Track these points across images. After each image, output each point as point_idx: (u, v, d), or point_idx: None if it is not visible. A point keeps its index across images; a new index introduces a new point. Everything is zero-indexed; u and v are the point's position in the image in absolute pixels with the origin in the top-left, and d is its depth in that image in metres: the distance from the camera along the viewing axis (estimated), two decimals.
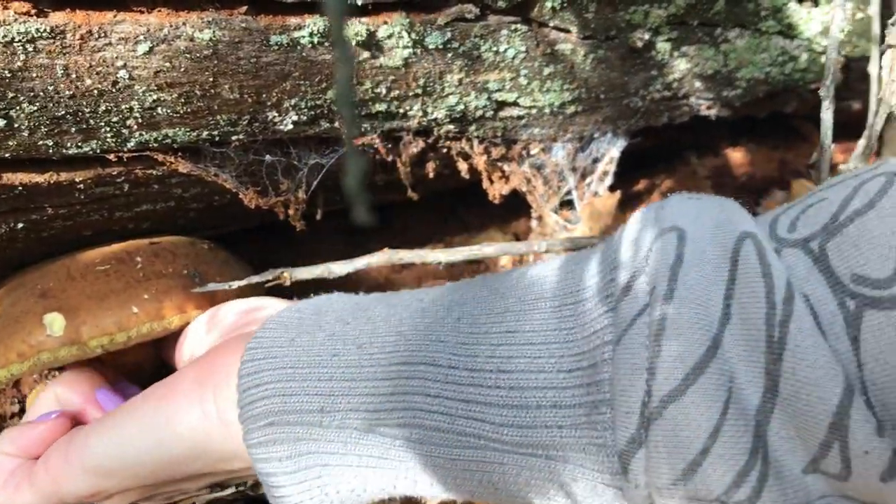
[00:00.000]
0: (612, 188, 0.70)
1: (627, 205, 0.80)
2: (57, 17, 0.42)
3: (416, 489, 0.40)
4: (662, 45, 0.61)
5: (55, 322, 0.51)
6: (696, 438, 0.30)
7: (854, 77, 0.76)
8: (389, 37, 0.51)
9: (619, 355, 0.33)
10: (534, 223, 0.71)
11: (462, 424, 0.37)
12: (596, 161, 0.67)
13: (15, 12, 0.41)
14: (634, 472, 0.32)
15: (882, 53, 0.56)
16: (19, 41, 0.41)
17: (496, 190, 0.66)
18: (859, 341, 0.29)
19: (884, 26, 0.66)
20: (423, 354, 0.38)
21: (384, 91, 0.53)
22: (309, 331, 0.42)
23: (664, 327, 0.31)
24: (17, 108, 0.43)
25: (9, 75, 0.42)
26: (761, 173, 0.78)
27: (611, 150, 0.67)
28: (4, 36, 0.41)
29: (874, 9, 0.67)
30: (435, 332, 0.39)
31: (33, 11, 0.42)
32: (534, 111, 0.61)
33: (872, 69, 0.68)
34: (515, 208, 0.75)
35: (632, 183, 0.80)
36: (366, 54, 0.51)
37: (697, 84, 0.66)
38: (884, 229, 0.30)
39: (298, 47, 0.48)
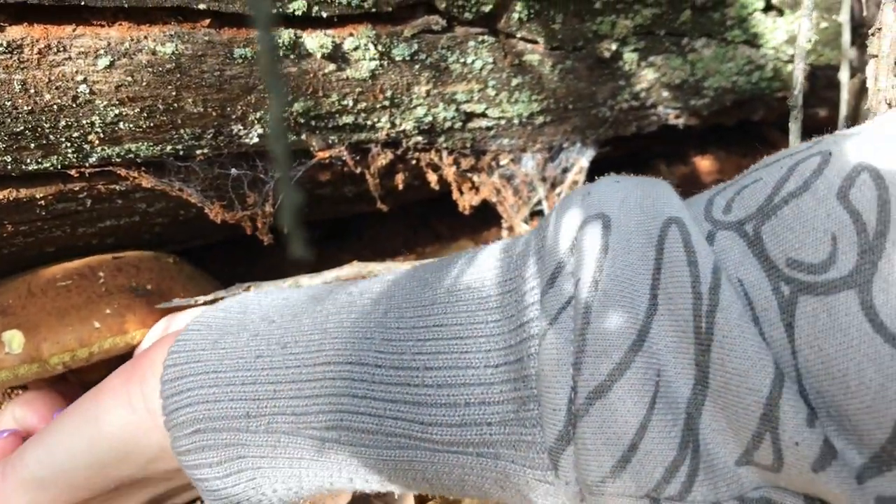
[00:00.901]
0: None
1: None
2: (14, 32, 0.41)
3: (352, 485, 0.39)
4: (630, 56, 0.62)
5: (14, 339, 0.50)
6: (623, 434, 0.30)
7: (820, 85, 0.77)
8: (355, 49, 0.50)
9: (545, 350, 0.32)
10: (504, 233, 0.70)
11: (390, 425, 0.36)
12: (565, 171, 0.67)
13: None
14: (564, 468, 0.32)
15: (866, 63, 0.56)
16: None
17: (466, 201, 0.65)
18: (794, 328, 0.28)
19: (856, 34, 0.67)
20: (349, 353, 0.37)
21: (351, 103, 0.53)
22: (233, 331, 0.41)
23: (589, 321, 0.31)
24: None
25: None
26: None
27: (580, 160, 0.67)
28: None
29: (844, 17, 0.68)
30: (361, 328, 0.38)
31: None
32: (502, 122, 0.60)
33: (843, 76, 0.69)
34: (486, 218, 0.75)
35: None
36: (332, 66, 0.50)
37: (665, 93, 0.66)
38: (819, 212, 0.29)
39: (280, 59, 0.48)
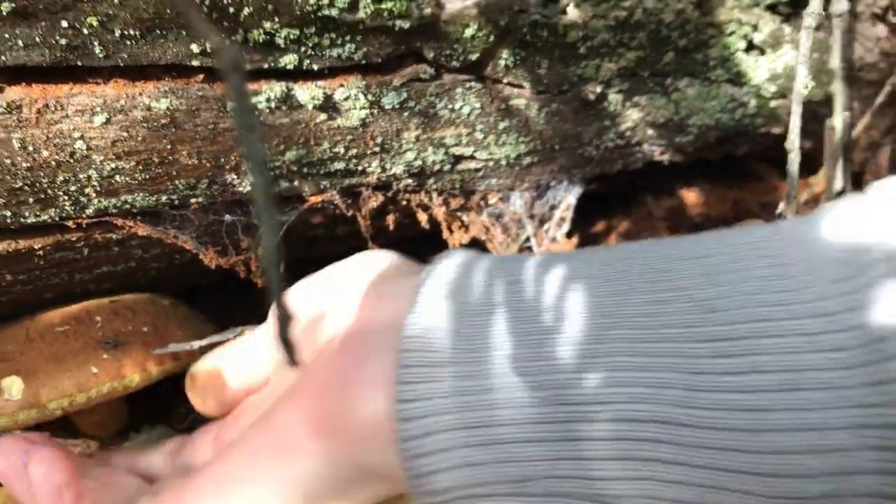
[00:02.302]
0: (569, 233, 0.71)
1: (586, 246, 0.81)
2: (13, 93, 0.43)
3: None
4: (614, 97, 0.63)
5: (13, 385, 0.51)
6: None
7: (804, 118, 0.79)
8: (346, 99, 0.52)
9: None
10: None
11: (712, 498, 0.29)
12: (553, 208, 0.69)
13: None
14: None
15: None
16: None
17: (456, 239, 0.67)
18: None
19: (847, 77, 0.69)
20: (652, 410, 0.30)
21: (342, 150, 0.54)
22: (476, 359, 0.33)
23: None
24: None
25: None
26: (716, 213, 0.80)
27: (567, 198, 0.68)
28: None
29: (836, 62, 0.70)
30: (656, 373, 0.30)
31: None
32: (490, 163, 0.62)
33: (837, 122, 0.70)
34: (479, 250, 0.76)
35: (590, 224, 0.81)
36: (323, 116, 0.52)
37: (650, 132, 0.68)
38: None
39: (256, 112, 0.49)
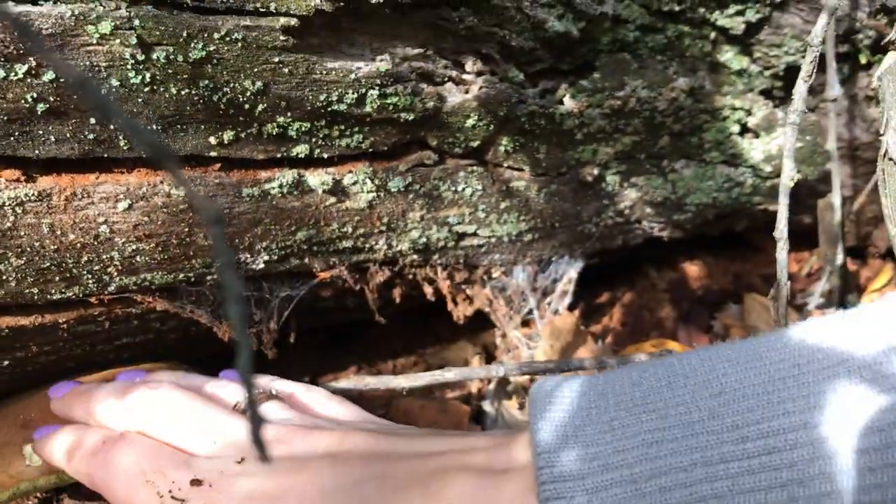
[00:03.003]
0: (572, 306, 0.73)
1: (591, 317, 0.83)
2: (44, 182, 0.46)
3: None
4: (612, 178, 0.66)
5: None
6: None
7: (803, 195, 0.81)
8: (354, 183, 0.55)
9: None
10: (498, 340, 0.74)
11: None
12: (555, 281, 0.71)
13: (6, 179, 0.45)
14: None
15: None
16: (9, 205, 0.45)
17: (461, 311, 0.69)
18: None
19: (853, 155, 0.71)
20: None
21: (350, 230, 0.58)
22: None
23: None
24: (6, 262, 0.47)
25: None
26: (717, 286, 0.82)
27: (569, 271, 0.71)
28: None
29: (831, 145, 0.72)
30: None
31: (23, 178, 0.46)
32: (493, 240, 0.65)
33: (835, 199, 0.73)
34: (484, 320, 0.78)
35: (594, 295, 0.83)
36: (332, 199, 0.55)
37: (648, 210, 0.70)
38: None
39: (269, 197, 0.53)
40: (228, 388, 0.51)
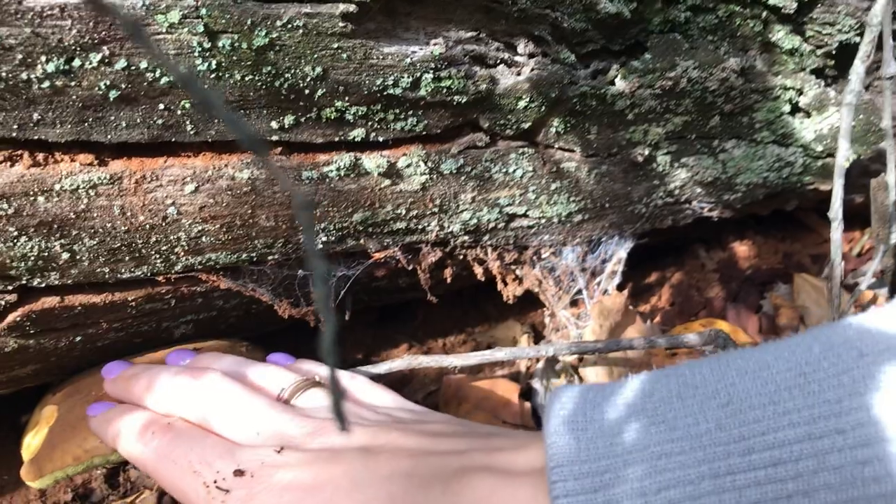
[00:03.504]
0: (621, 286, 0.74)
1: (639, 297, 0.84)
2: (115, 166, 0.49)
3: None
4: (662, 158, 0.67)
5: None
6: None
7: (855, 174, 0.81)
8: (408, 166, 0.56)
9: None
10: (546, 319, 0.75)
11: None
12: (605, 262, 0.72)
13: (80, 163, 0.48)
14: None
15: None
16: (83, 188, 0.48)
17: (510, 291, 0.70)
18: None
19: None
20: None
21: (404, 211, 0.59)
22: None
23: None
24: (80, 242, 0.49)
25: (73, 216, 0.48)
26: (766, 266, 0.82)
27: (619, 252, 0.72)
28: (72, 184, 0.47)
29: (886, 123, 0.72)
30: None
31: (96, 162, 0.48)
32: (543, 221, 0.66)
33: (890, 178, 0.72)
34: (532, 300, 0.80)
35: (643, 275, 0.84)
36: (387, 182, 0.57)
37: (698, 190, 0.71)
38: None
39: (327, 179, 0.54)
40: (274, 376, 0.53)
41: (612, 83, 0.60)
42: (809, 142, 0.71)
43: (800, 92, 0.68)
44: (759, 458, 0.33)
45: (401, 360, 0.59)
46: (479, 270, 0.69)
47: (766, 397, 0.35)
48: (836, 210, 0.56)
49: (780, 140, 0.70)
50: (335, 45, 0.49)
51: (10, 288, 0.50)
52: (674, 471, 0.34)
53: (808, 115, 0.70)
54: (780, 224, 0.87)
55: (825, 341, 0.36)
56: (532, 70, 0.56)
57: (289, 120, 0.51)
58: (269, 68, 0.48)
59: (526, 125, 0.59)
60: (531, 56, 0.56)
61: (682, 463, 0.34)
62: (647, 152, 0.65)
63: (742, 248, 0.83)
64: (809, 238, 0.86)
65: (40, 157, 0.47)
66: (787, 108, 0.68)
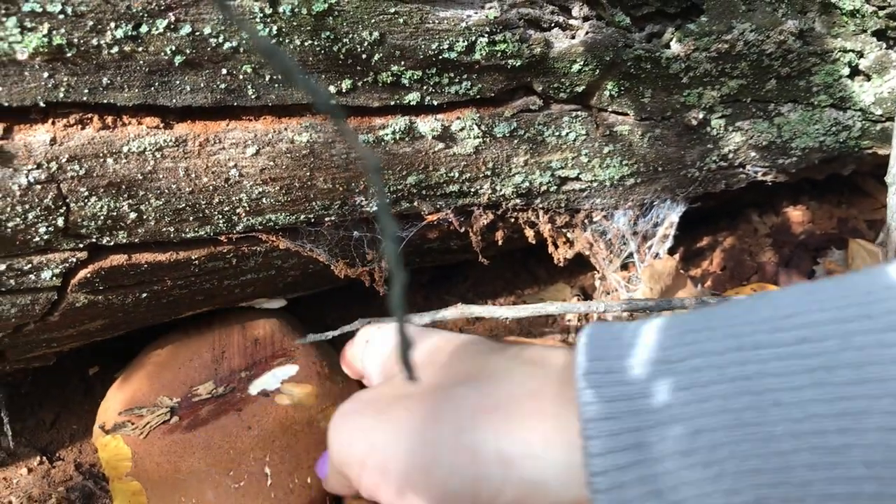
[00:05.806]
0: (672, 250, 0.74)
1: (690, 261, 0.84)
2: (180, 129, 0.50)
3: None
4: (717, 122, 0.66)
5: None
6: None
7: None
8: (461, 129, 0.57)
9: None
10: (596, 282, 0.76)
11: None
12: (656, 225, 0.72)
13: (147, 126, 0.49)
14: None
15: None
16: (150, 150, 0.49)
17: (560, 254, 0.71)
18: None
19: None
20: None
21: (457, 174, 0.60)
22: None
23: None
24: (146, 203, 0.51)
25: (140, 177, 0.50)
26: (820, 231, 0.81)
27: (670, 216, 0.72)
28: (139, 146, 0.49)
29: None
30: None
31: (161, 125, 0.50)
32: (595, 184, 0.66)
33: None
34: (582, 263, 0.80)
35: (694, 239, 0.84)
36: (441, 145, 0.57)
37: (753, 154, 0.70)
38: None
39: (383, 143, 0.55)
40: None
41: (668, 46, 0.60)
42: (868, 105, 0.70)
43: (860, 54, 0.67)
44: (786, 336, 0.34)
45: (454, 309, 0.61)
46: (529, 233, 0.69)
47: (801, 290, 0.36)
48: (893, 174, 0.55)
49: (838, 103, 0.69)
50: (392, 10, 0.50)
51: (80, 246, 0.52)
52: (701, 344, 0.35)
53: (869, 77, 0.68)
54: (835, 189, 0.86)
55: (867, 271, 0.36)
56: (587, 33, 0.56)
57: (346, 84, 0.52)
58: (327, 33, 0.49)
59: (580, 88, 0.59)
60: (586, 19, 0.56)
61: (710, 338, 0.35)
62: (701, 116, 0.65)
63: (796, 213, 0.82)
64: (866, 203, 0.85)
65: (109, 120, 0.49)
66: (846, 70, 0.67)
